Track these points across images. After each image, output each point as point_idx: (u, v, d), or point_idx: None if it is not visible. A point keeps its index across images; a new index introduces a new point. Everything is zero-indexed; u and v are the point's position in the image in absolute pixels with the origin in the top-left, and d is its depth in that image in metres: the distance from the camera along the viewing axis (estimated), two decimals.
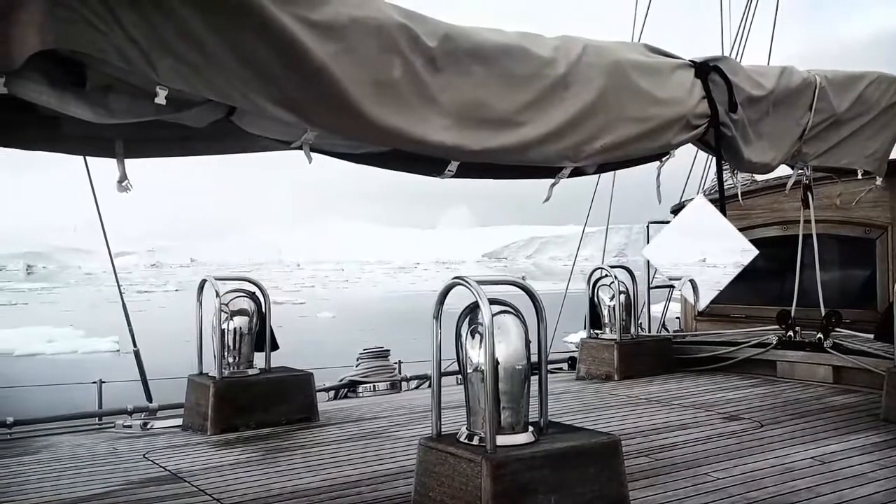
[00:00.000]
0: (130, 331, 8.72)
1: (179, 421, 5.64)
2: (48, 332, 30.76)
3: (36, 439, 5.42)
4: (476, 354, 3.28)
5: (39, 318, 37.73)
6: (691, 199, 9.14)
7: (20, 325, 31.90)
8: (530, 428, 3.34)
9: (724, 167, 5.93)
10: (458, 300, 3.44)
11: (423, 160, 4.42)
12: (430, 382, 7.49)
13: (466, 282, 3.26)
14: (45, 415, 6.51)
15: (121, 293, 8.80)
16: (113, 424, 6.01)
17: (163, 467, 4.36)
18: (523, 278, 3.83)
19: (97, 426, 6.44)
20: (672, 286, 10.48)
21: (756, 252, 8.77)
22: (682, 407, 5.79)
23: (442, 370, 3.43)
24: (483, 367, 3.19)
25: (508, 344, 3.29)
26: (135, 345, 8.58)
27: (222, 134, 4.26)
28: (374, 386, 8.09)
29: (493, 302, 3.26)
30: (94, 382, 7.95)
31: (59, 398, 8.82)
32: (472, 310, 3.31)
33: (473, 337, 3.30)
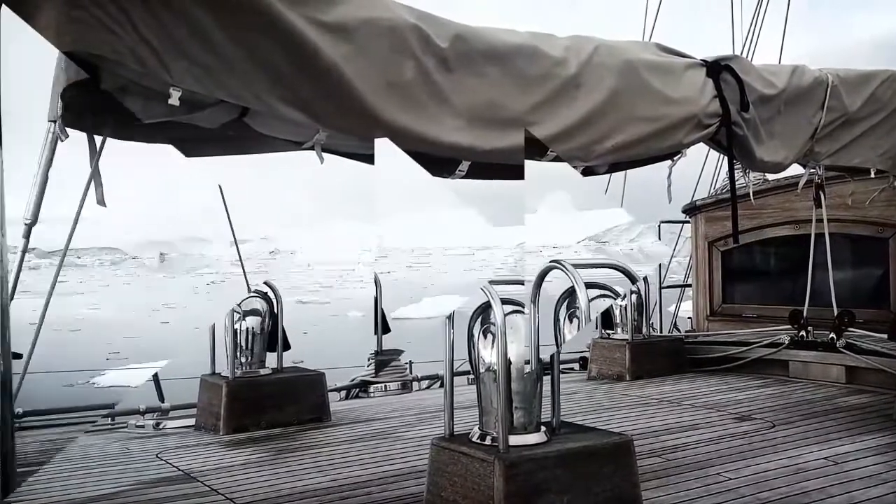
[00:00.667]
0: None
1: (192, 421, 5.67)
2: None
3: (50, 438, 5.45)
4: (488, 354, 3.29)
5: None
6: (703, 199, 9.15)
7: None
8: (542, 428, 3.34)
9: (736, 166, 5.91)
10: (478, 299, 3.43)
11: (435, 160, 4.42)
12: (442, 382, 7.52)
13: (563, 265, 3.27)
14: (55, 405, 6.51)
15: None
16: (125, 424, 6.04)
17: (175, 467, 4.38)
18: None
19: (110, 426, 6.46)
20: (684, 286, 10.46)
21: (768, 251, 8.80)
22: (694, 407, 5.78)
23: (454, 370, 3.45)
24: (495, 367, 3.20)
25: (520, 343, 3.29)
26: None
27: (235, 135, 4.28)
28: (385, 386, 8.09)
29: (504, 302, 3.26)
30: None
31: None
32: (484, 310, 3.31)
33: (485, 337, 3.31)
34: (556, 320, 3.39)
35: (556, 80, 4.54)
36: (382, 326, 5.87)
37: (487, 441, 3.26)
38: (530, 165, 4.70)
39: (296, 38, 3.53)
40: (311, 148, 4.13)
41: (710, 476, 3.99)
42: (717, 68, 5.25)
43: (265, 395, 5.47)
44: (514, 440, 3.20)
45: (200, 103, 3.67)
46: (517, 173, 5.16)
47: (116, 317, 38.61)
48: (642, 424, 5.21)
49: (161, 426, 5.74)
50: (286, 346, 5.83)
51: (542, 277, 3.42)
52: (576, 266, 3.27)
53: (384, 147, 3.97)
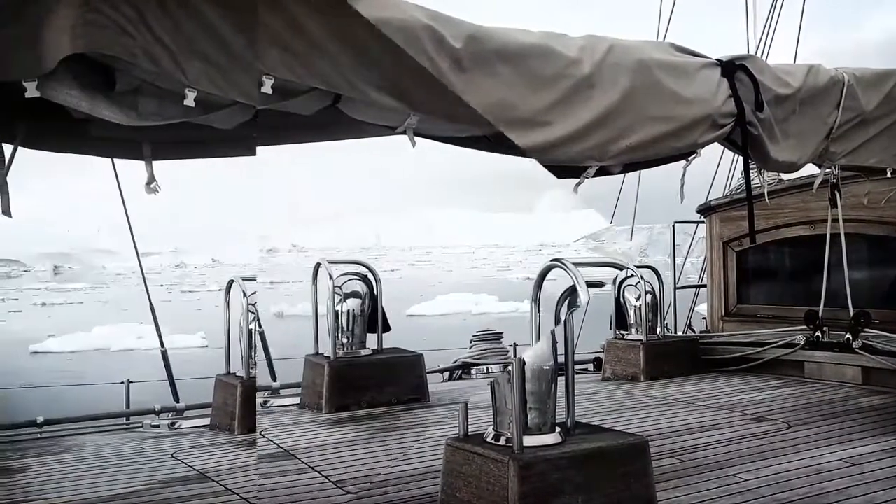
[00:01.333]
0: (157, 331, 8.78)
1: (206, 420, 5.69)
2: (138, 328, 31.32)
3: (65, 439, 5.48)
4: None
5: (100, 317, 38.44)
6: (718, 199, 9.11)
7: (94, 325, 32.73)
8: (557, 429, 3.33)
9: (751, 166, 5.88)
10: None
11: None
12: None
13: (564, 263, 3.26)
14: (74, 414, 6.59)
15: (148, 292, 8.84)
16: (141, 424, 6.07)
17: (190, 466, 4.39)
18: None
19: (125, 426, 6.49)
20: (699, 286, 10.40)
21: (783, 252, 8.74)
22: (710, 408, 5.75)
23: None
24: (509, 368, 3.19)
25: (536, 343, 3.28)
26: (162, 345, 8.64)
27: (329, 121, 4.30)
28: (487, 368, 8.18)
29: None
30: (122, 382, 8.04)
31: (88, 397, 8.92)
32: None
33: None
34: (557, 319, 3.38)
35: (570, 80, 4.53)
36: (383, 324, 5.91)
37: (502, 442, 3.25)
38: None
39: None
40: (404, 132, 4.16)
41: (727, 477, 3.97)
42: (731, 68, 5.22)
43: (366, 376, 5.57)
44: (529, 441, 3.19)
45: (216, 104, 3.69)
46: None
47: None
48: (658, 425, 5.18)
49: (176, 426, 5.76)
50: (386, 328, 5.92)
51: (542, 277, 3.42)
52: (577, 265, 3.26)
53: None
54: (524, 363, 3.23)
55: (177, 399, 7.69)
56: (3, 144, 3.70)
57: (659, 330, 7.66)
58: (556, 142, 4.50)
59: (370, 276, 5.95)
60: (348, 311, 5.80)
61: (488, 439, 3.31)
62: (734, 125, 5.21)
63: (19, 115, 3.64)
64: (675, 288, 9.80)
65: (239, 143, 4.58)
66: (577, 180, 5.02)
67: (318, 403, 5.42)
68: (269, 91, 3.40)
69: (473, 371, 8.20)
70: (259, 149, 4.57)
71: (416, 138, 4.15)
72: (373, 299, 5.90)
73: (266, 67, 3.32)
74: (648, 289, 7.44)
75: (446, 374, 8.16)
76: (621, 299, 7.60)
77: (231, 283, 5.76)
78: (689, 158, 5.41)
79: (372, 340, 5.97)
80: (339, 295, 5.77)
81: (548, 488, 3.09)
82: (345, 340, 5.77)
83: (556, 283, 3.43)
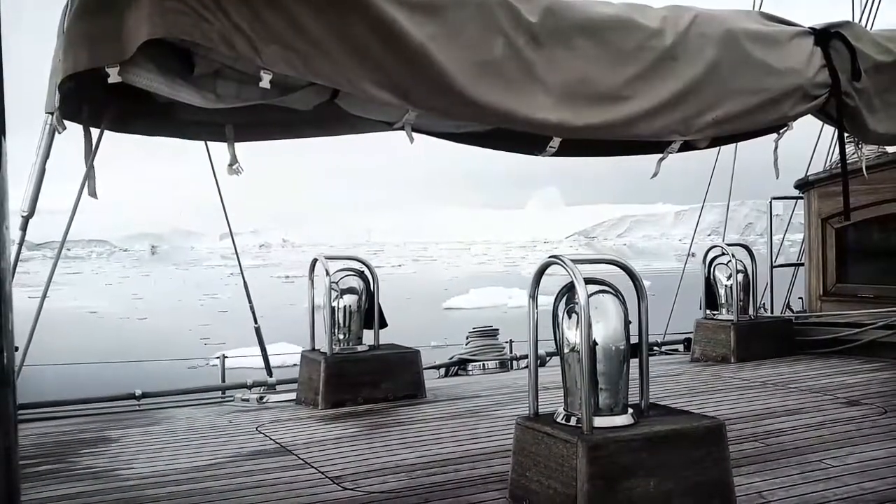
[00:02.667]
0: (251, 307, 9.00)
1: (294, 395, 5.83)
2: None
3: (158, 411, 5.71)
4: (573, 334, 3.23)
5: None
6: (816, 174, 8.74)
7: None
8: (629, 410, 3.27)
9: (849, 139, 5.62)
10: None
11: (525, 138, 4.38)
12: (543, 361, 7.50)
13: (562, 261, 3.21)
14: (170, 388, 6.86)
15: (241, 270, 9.07)
16: (232, 398, 6.27)
17: (272, 439, 4.51)
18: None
19: (219, 399, 6.71)
20: (797, 265, 10.01)
21: (886, 228, 8.32)
22: (799, 391, 5.55)
23: (544, 350, 3.41)
24: (579, 348, 3.14)
25: (607, 324, 3.22)
26: (256, 321, 8.86)
27: (327, 116, 4.35)
28: (483, 364, 8.14)
29: (591, 281, 3.19)
30: (217, 357, 8.33)
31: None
32: (570, 289, 3.25)
33: (570, 317, 3.25)
34: (554, 316, 3.32)
35: (652, 53, 4.42)
36: (379, 321, 5.89)
37: (572, 422, 3.22)
38: None
39: (384, 19, 3.55)
40: (402, 128, 4.15)
41: (810, 463, 3.83)
42: (825, 36, 5.00)
43: (362, 372, 5.58)
44: (599, 422, 3.14)
45: (292, 86, 3.75)
46: (611, 149, 5.07)
47: (166, 306, 39.36)
48: (743, 408, 5.04)
49: (264, 400, 5.92)
50: (382, 324, 5.92)
51: (540, 273, 3.36)
52: (575, 261, 3.18)
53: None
54: (595, 343, 3.18)
55: (270, 374, 7.89)
56: (91, 129, 3.87)
57: (751, 310, 7.43)
58: (638, 117, 4.40)
59: (367, 271, 5.92)
60: (345, 306, 5.77)
61: (558, 419, 3.28)
62: (828, 96, 5.00)
63: (106, 101, 3.78)
64: (772, 267, 9.45)
65: (318, 124, 4.66)
66: (659, 156, 4.93)
67: (315, 399, 5.43)
68: (268, 86, 3.41)
69: (469, 367, 8.13)
70: (248, 144, 4.63)
71: (412, 134, 4.12)
72: (369, 295, 5.88)
73: (265, 63, 3.31)
74: (740, 267, 7.22)
75: (442, 371, 8.13)
76: (711, 278, 7.40)
77: (315, 261, 5.86)
78: (781, 132, 5.23)
79: (368, 337, 5.94)
80: (336, 291, 5.76)
81: (618, 470, 3.04)
82: (341, 336, 5.75)
83: (564, 279, 3.36)
